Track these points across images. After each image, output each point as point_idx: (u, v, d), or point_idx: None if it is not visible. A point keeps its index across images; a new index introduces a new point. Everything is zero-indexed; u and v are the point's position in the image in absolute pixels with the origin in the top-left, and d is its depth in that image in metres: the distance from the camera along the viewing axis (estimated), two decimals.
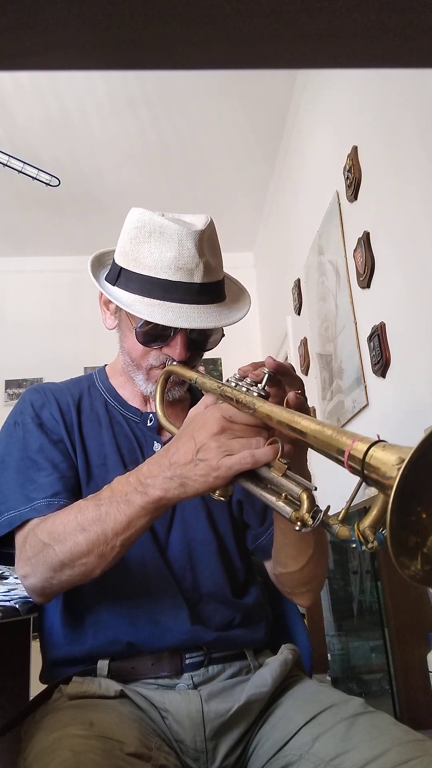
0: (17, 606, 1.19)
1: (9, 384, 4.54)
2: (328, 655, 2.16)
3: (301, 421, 0.64)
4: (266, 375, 0.74)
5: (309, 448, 0.70)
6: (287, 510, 0.66)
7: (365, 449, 0.52)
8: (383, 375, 2.16)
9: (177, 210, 1.05)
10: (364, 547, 0.57)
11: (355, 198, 2.45)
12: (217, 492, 0.75)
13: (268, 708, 0.90)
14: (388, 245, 2.15)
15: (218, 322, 0.96)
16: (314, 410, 3.36)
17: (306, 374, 3.35)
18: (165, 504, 0.78)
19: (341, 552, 2.01)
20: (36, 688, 1.00)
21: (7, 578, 1.66)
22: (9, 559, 0.97)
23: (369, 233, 2.29)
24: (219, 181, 4.03)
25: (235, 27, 0.27)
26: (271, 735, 0.86)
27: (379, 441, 0.52)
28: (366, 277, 2.30)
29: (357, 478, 0.56)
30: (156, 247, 0.94)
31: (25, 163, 3.26)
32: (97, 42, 0.28)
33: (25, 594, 1.33)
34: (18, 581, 1.63)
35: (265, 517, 1.04)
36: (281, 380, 0.77)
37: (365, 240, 2.30)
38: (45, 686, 0.97)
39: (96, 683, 0.88)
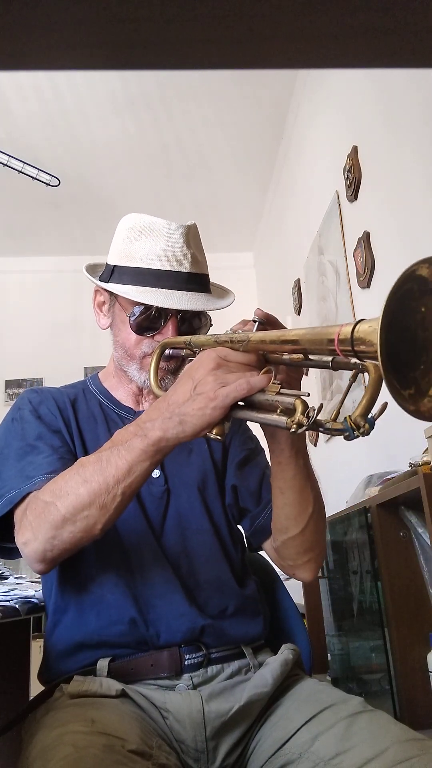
0: (17, 606, 1.19)
1: (9, 384, 4.54)
2: (328, 655, 2.16)
3: (291, 331, 0.72)
4: (256, 323, 0.80)
5: (303, 369, 0.78)
6: (282, 420, 0.70)
7: (351, 329, 0.59)
8: None
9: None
10: (357, 433, 0.62)
11: (355, 198, 2.45)
12: (214, 431, 0.76)
13: (269, 708, 0.90)
14: (388, 245, 2.16)
15: (206, 306, 1.04)
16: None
17: (306, 374, 3.35)
18: (164, 446, 0.80)
19: (341, 552, 2.01)
20: (36, 688, 1.00)
21: (7, 578, 1.66)
22: (7, 553, 0.98)
23: (369, 233, 2.29)
24: (219, 181, 4.02)
25: (235, 27, 0.27)
26: (270, 734, 0.86)
27: (362, 319, 0.59)
28: (366, 277, 2.30)
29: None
30: (147, 242, 1.02)
31: (25, 163, 3.26)
32: (97, 42, 0.28)
33: (25, 594, 1.34)
34: (18, 581, 1.63)
35: (261, 496, 1.06)
36: (268, 329, 0.83)
37: (365, 240, 2.30)
38: (45, 686, 0.97)
39: (97, 682, 0.88)
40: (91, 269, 1.12)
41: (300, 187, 3.41)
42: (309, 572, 1.01)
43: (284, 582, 1.21)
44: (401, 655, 1.51)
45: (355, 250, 2.42)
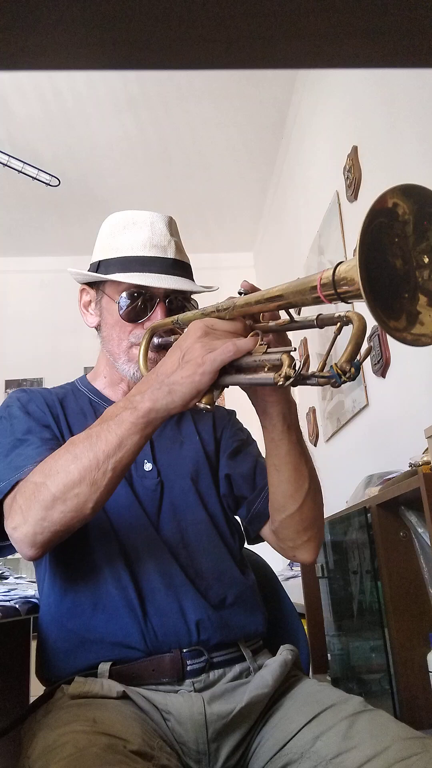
0: (17, 606, 1.19)
1: (9, 384, 4.53)
2: (328, 655, 2.16)
3: (274, 288, 0.72)
4: (242, 296, 0.81)
5: (291, 328, 0.78)
6: (270, 376, 0.70)
7: (332, 271, 0.60)
8: (383, 375, 2.16)
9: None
10: (343, 379, 0.63)
11: (355, 198, 2.45)
12: (204, 400, 0.77)
13: (269, 709, 0.90)
14: None
15: (193, 287, 1.05)
16: (314, 410, 3.36)
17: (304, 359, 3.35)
18: (154, 417, 0.80)
19: (341, 552, 2.01)
20: (36, 687, 1.00)
21: (7, 578, 1.66)
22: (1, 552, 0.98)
23: None
24: (219, 181, 4.02)
25: (235, 27, 0.27)
26: (272, 735, 0.86)
27: (341, 261, 0.60)
28: None
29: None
30: (131, 234, 1.04)
31: (25, 163, 3.26)
32: (97, 42, 0.28)
33: (26, 594, 1.34)
34: (18, 581, 1.63)
35: (255, 482, 1.06)
36: None
37: None
38: (45, 684, 0.97)
39: (98, 684, 0.88)
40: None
41: (300, 187, 3.41)
42: (309, 552, 1.00)
43: (283, 583, 1.22)
44: (401, 655, 1.50)
45: (355, 250, 2.42)
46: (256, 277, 4.80)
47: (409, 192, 0.55)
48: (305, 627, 1.86)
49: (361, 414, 2.50)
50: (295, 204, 3.56)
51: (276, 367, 0.70)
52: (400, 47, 0.29)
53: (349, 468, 2.54)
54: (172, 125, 3.52)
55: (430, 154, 1.81)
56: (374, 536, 1.62)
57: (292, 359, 0.68)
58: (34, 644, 1.51)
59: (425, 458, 1.42)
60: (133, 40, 0.28)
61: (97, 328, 1.10)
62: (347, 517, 1.86)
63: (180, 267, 1.05)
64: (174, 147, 3.70)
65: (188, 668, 0.90)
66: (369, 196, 2.32)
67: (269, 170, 3.95)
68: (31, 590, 1.40)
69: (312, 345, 3.24)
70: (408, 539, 1.56)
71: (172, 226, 1.06)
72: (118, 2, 0.26)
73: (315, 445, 3.33)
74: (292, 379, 0.67)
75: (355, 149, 2.42)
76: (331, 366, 0.63)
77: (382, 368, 2.14)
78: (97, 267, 1.06)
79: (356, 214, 2.47)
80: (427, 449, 1.45)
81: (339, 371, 0.62)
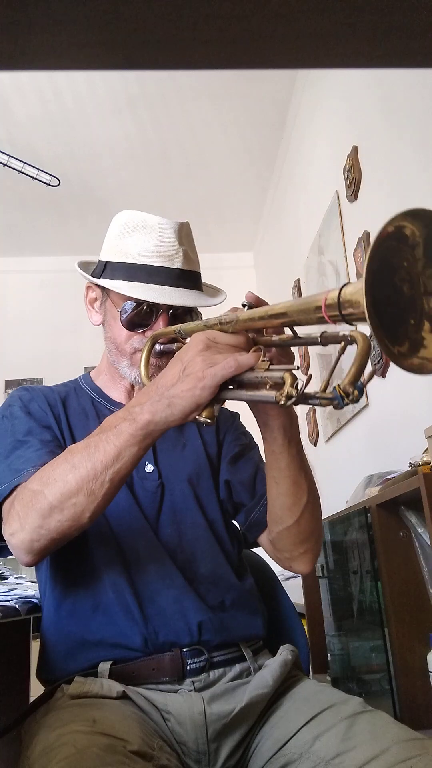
0: (17, 606, 1.19)
1: (9, 384, 4.53)
2: (328, 655, 2.16)
3: (278, 305, 0.71)
4: (246, 308, 0.79)
5: (294, 342, 0.75)
6: (271, 394, 0.69)
7: (337, 293, 0.58)
8: (383, 375, 2.16)
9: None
10: (346, 401, 0.62)
11: (355, 198, 2.45)
12: (204, 413, 0.76)
13: (269, 708, 0.90)
14: None
15: (197, 302, 1.03)
16: (314, 410, 3.36)
17: (306, 375, 3.35)
18: (153, 430, 0.79)
19: (341, 552, 2.01)
20: (36, 687, 1.00)
21: (7, 578, 1.66)
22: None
23: (369, 233, 2.29)
24: (219, 181, 4.02)
25: (235, 27, 0.27)
26: (271, 734, 0.86)
27: (348, 283, 0.59)
28: None
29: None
30: (139, 238, 1.02)
31: (25, 163, 3.26)
32: (97, 42, 0.28)
33: (25, 594, 1.34)
34: (18, 581, 1.63)
35: (255, 490, 1.06)
36: None
37: (365, 240, 2.30)
38: (45, 685, 0.97)
39: (98, 684, 0.88)
40: (84, 266, 1.12)
41: (300, 187, 3.41)
42: (306, 564, 1.00)
43: (283, 583, 1.21)
44: (401, 655, 1.50)
45: (355, 250, 2.42)
46: (256, 277, 4.81)
47: (419, 216, 0.54)
48: (305, 627, 1.86)
49: (361, 414, 2.50)
50: (295, 204, 3.56)
51: (278, 385, 0.69)
52: (400, 47, 0.29)
53: (349, 468, 2.54)
54: (172, 125, 3.52)
55: (430, 154, 1.81)
56: (374, 536, 1.62)
57: (294, 378, 0.68)
58: (34, 644, 1.51)
59: (425, 458, 1.42)
60: (133, 40, 0.28)
61: (102, 324, 1.10)
62: (347, 517, 1.86)
63: (186, 277, 1.03)
64: (174, 147, 3.70)
65: (188, 667, 0.90)
66: (369, 196, 2.33)
67: (269, 170, 3.95)
68: (31, 590, 1.40)
69: (312, 346, 3.24)
70: (408, 539, 1.56)
71: (182, 233, 1.03)
72: (118, 2, 0.26)
73: (315, 445, 3.33)
74: (294, 399, 0.66)
75: (355, 149, 2.42)
76: (334, 387, 0.62)
77: (382, 368, 2.14)
78: (104, 267, 1.05)
79: (356, 214, 2.47)
80: (427, 449, 1.45)
81: (342, 393, 0.62)
